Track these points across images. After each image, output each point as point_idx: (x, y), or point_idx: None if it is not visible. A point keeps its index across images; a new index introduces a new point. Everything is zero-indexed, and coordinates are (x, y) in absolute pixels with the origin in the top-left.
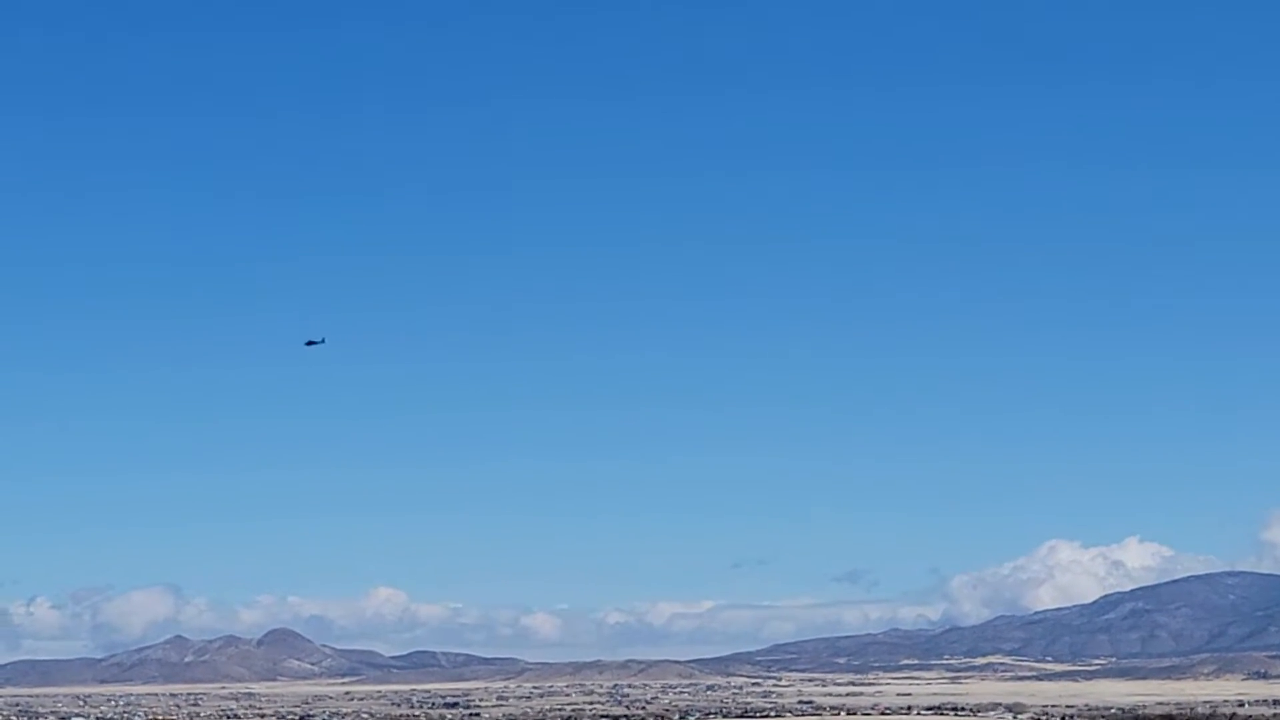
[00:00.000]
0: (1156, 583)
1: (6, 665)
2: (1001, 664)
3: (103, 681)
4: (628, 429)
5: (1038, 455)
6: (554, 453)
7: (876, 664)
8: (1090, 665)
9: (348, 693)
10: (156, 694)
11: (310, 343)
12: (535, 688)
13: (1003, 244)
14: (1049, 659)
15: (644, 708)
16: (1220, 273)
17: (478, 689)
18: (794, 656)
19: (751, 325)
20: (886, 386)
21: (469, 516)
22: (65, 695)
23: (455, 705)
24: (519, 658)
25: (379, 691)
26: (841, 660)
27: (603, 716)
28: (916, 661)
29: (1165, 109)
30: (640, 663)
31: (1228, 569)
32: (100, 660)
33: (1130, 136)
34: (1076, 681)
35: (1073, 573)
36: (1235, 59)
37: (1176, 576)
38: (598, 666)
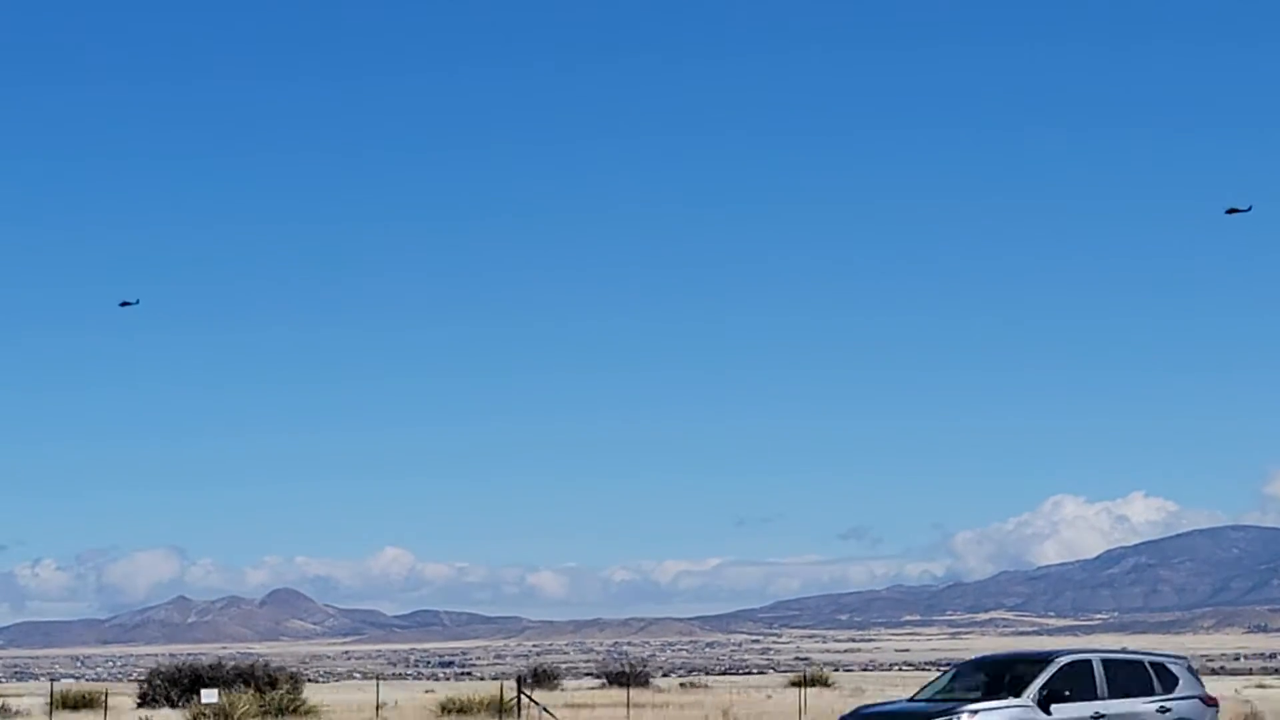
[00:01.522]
0: (1160, 537)
1: (10, 627)
2: (1003, 619)
3: (105, 642)
4: (633, 389)
5: (1042, 410)
6: (561, 413)
7: (879, 620)
8: (1092, 620)
9: (346, 652)
10: (156, 654)
11: (124, 303)
12: (535, 646)
13: (1001, 200)
14: (1051, 614)
15: (644, 665)
16: (1223, 227)
17: (477, 648)
18: (796, 613)
19: (751, 285)
20: (888, 343)
21: (477, 476)
22: (65, 656)
23: (450, 664)
24: (522, 616)
25: (378, 651)
26: (844, 617)
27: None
28: (919, 618)
29: (1165, 71)
30: (641, 620)
31: (1232, 523)
32: (104, 621)
33: (1126, 97)
34: (1077, 636)
35: (1077, 528)
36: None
37: (1180, 531)
38: (599, 624)
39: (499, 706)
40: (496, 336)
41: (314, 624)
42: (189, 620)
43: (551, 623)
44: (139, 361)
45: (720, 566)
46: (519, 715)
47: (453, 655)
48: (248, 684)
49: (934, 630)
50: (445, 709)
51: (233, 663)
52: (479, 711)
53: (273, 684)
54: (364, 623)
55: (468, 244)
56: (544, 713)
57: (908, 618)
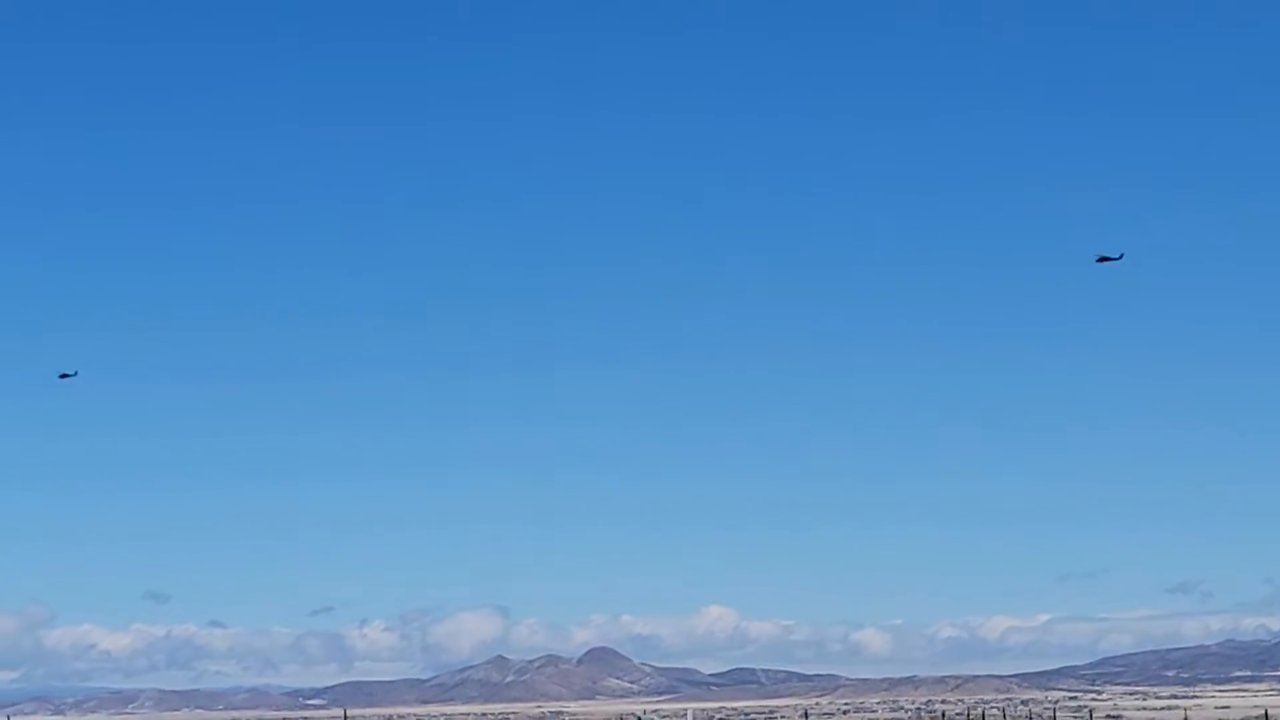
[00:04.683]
0: None
1: (335, 686)
2: None
3: (424, 702)
4: (961, 446)
5: None
6: (888, 470)
7: (1206, 676)
8: None
9: (655, 710)
10: (468, 714)
11: (64, 375)
12: (847, 704)
13: None
14: None
15: None
16: None
17: (788, 706)
18: (1122, 670)
19: (1071, 344)
20: (1215, 397)
21: (803, 532)
22: (381, 715)
23: None
24: (840, 674)
25: (683, 710)
26: (1171, 673)
27: None
28: (1250, 673)
29: None
30: (957, 677)
31: None
32: (425, 681)
33: None
34: None
35: None
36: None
37: None
38: (913, 682)
39: None
40: (810, 392)
41: (630, 682)
42: (507, 680)
43: (867, 680)
44: (460, 412)
45: (1049, 623)
46: None
47: (761, 713)
48: None
49: (1263, 686)
50: None
51: None
52: None
53: None
54: (680, 681)
55: (803, 289)
56: None
57: (1237, 673)
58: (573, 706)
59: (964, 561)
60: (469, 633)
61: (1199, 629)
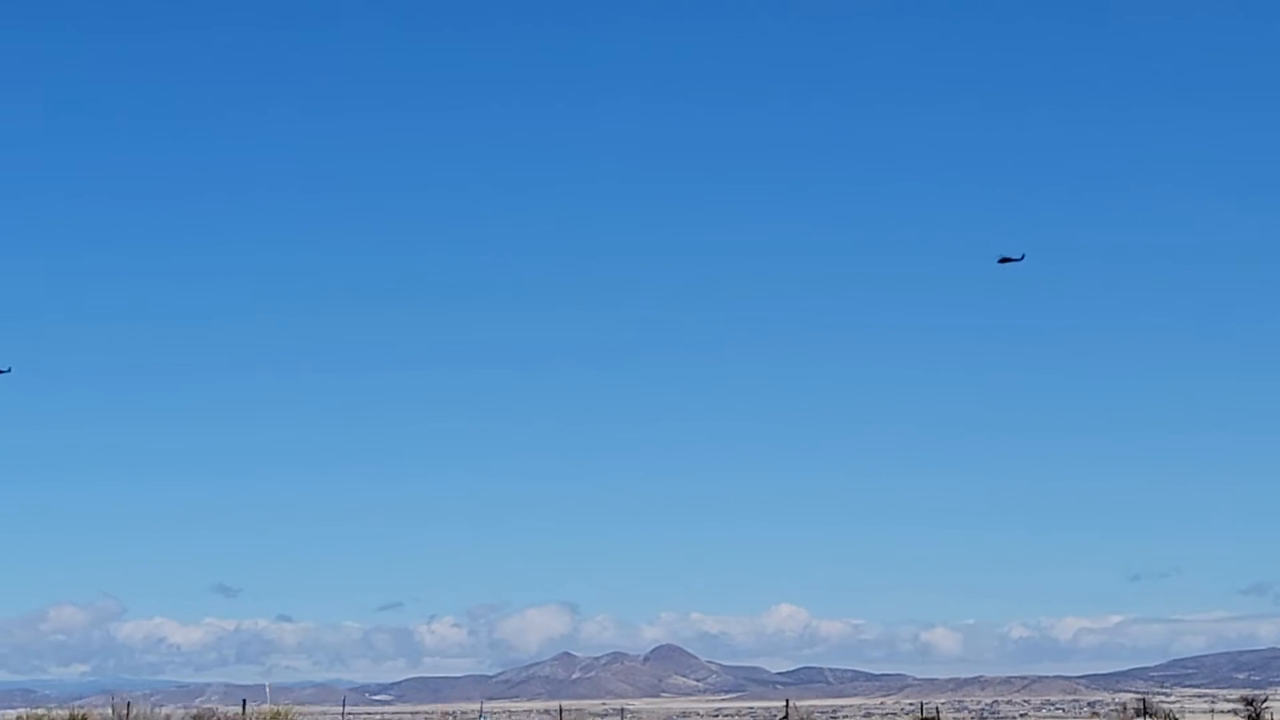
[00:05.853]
0: None
1: (403, 681)
2: None
3: (490, 698)
4: (1035, 445)
5: None
6: (962, 469)
7: (1277, 679)
8: None
9: (718, 710)
10: (530, 710)
11: None
12: (912, 704)
13: None
14: None
15: None
16: None
17: (851, 706)
18: (1192, 672)
19: (1136, 345)
20: None
21: (875, 531)
22: (444, 712)
23: None
24: (907, 674)
25: (750, 708)
26: (1241, 676)
27: None
28: None
29: None
30: (1024, 678)
31: None
32: (491, 677)
33: None
34: None
35: None
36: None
37: None
38: (979, 682)
39: None
40: (896, 388)
41: (696, 680)
42: (573, 676)
43: (934, 680)
44: (528, 407)
45: (1122, 624)
46: None
47: (825, 712)
48: None
49: None
50: None
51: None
52: None
53: None
54: (747, 679)
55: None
56: None
57: None
58: (637, 704)
59: (1037, 561)
60: (537, 629)
61: (1273, 631)
